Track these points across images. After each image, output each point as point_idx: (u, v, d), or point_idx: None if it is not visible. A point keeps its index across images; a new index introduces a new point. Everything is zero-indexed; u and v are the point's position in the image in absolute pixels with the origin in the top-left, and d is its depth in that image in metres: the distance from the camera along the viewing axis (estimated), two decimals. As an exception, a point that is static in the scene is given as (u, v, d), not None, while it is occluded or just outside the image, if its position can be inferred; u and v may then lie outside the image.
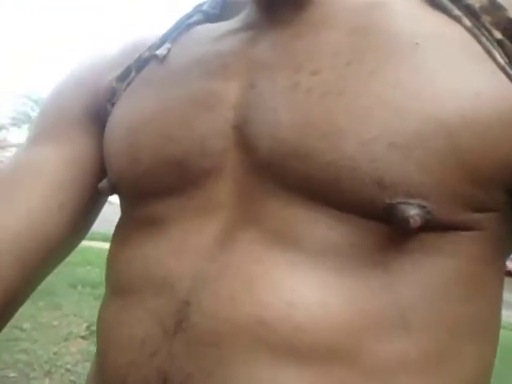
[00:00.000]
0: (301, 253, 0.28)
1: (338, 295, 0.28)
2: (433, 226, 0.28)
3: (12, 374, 2.28)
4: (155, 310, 0.30)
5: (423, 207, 0.27)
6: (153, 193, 0.35)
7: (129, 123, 0.38)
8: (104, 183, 0.39)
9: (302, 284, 0.28)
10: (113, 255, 0.38)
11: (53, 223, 0.39)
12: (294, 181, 0.29)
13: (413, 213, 0.27)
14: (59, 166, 0.40)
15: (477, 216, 0.29)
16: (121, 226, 0.39)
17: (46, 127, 0.43)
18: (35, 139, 0.42)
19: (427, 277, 0.29)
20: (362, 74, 0.29)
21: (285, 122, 0.30)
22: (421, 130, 0.28)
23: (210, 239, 0.31)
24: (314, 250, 0.28)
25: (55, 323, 2.89)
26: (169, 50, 0.41)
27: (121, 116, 0.39)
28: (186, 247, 0.31)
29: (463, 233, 0.29)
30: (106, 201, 0.45)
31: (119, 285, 0.35)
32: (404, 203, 0.27)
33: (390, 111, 0.28)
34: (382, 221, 0.28)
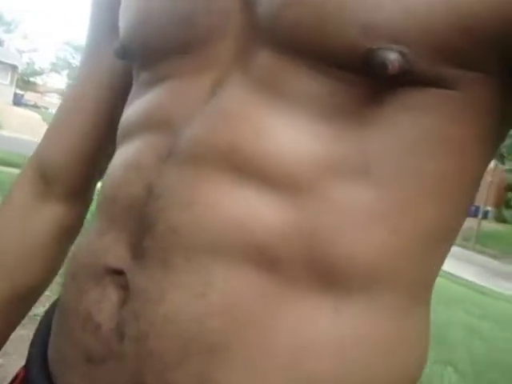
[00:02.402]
0: (280, 99, 0.30)
1: (307, 136, 0.29)
2: (411, 78, 0.28)
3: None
4: (153, 142, 0.34)
5: (404, 54, 0.27)
6: (161, 52, 0.37)
7: None
8: (116, 45, 0.40)
9: (275, 122, 0.30)
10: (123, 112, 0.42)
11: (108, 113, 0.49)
12: (284, 31, 0.30)
13: (392, 58, 0.27)
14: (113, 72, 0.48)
15: (460, 73, 0.28)
16: (130, 93, 0.42)
17: (94, 41, 0.50)
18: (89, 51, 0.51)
19: (398, 130, 0.29)
20: None
21: None
22: None
23: (206, 88, 0.33)
24: (292, 98, 0.30)
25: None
26: None
27: None
28: (184, 95, 0.34)
29: (442, 91, 0.29)
30: None
31: (124, 131, 0.39)
32: (384, 48, 0.27)
33: None
34: (360, 71, 0.28)
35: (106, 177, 0.40)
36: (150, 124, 0.36)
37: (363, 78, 0.29)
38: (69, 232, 0.50)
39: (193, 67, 0.34)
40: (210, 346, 0.29)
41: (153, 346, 0.30)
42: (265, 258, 0.29)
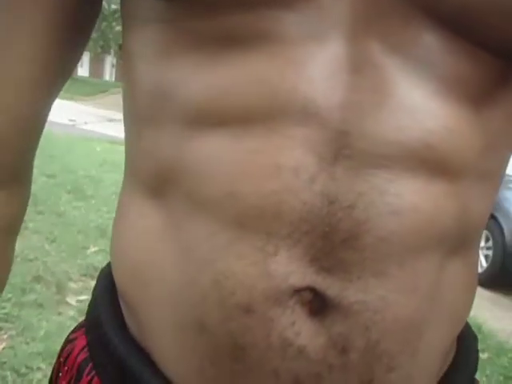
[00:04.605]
0: (432, 81, 0.29)
1: (468, 124, 0.31)
2: None
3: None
4: (301, 138, 0.29)
5: None
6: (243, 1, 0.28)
7: None
8: None
9: (439, 109, 0.30)
10: (182, 76, 0.31)
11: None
12: (445, 10, 0.28)
13: None
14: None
15: None
16: (172, 44, 0.31)
17: None
18: None
19: (509, 109, 0.33)
20: None
21: None
22: None
23: (342, 63, 0.28)
24: (446, 81, 0.30)
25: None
26: None
27: None
28: (314, 71, 0.28)
29: None
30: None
31: (221, 113, 0.30)
32: None
33: None
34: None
35: (221, 186, 0.30)
36: (277, 109, 0.29)
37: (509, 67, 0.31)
38: (10, 227, 0.40)
39: (301, 27, 0.29)
40: (419, 326, 0.32)
41: (383, 348, 0.31)
42: (442, 241, 0.32)
